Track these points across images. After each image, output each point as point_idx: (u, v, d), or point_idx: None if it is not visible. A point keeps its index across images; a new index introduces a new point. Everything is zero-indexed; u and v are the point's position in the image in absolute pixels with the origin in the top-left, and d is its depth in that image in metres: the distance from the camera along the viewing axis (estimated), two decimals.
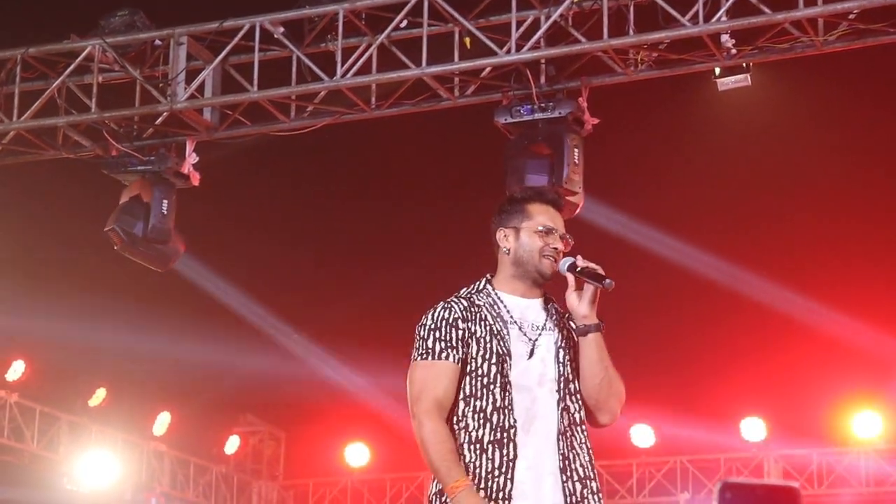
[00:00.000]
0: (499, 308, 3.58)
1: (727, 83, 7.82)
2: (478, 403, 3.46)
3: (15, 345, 12.04)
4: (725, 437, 13.69)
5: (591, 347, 3.54)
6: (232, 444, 14.85)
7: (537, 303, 3.63)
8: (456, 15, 7.82)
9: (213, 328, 12.76)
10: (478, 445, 3.43)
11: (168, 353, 12.31)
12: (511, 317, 3.58)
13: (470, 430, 3.44)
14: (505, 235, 3.66)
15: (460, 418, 3.47)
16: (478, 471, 3.41)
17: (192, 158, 8.56)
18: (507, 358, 3.50)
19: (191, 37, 8.31)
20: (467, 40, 7.85)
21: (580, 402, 3.55)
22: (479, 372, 3.49)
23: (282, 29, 8.17)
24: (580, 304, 3.54)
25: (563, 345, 3.58)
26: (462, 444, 3.44)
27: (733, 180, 11.52)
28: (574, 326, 3.57)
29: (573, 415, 3.52)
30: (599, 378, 3.52)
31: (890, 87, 9.89)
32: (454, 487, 3.35)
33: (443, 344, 3.50)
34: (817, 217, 11.62)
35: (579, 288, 3.57)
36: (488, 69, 7.97)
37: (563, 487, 3.43)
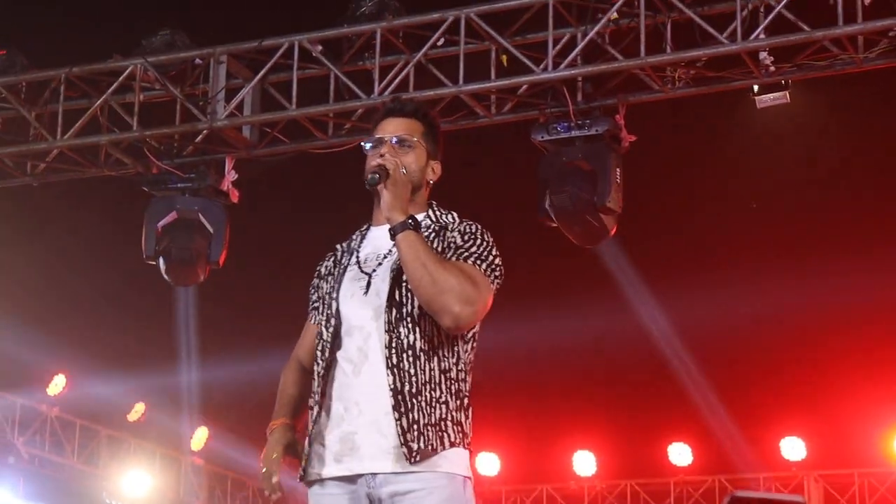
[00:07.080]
0: (351, 249, 3.29)
1: (766, 100, 7.77)
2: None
3: (56, 359, 12.16)
4: (765, 456, 13.57)
5: (400, 249, 3.05)
6: None
7: (385, 228, 3.17)
8: (493, 33, 7.84)
9: (251, 344, 12.81)
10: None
11: (205, 368, 12.38)
12: (357, 256, 3.25)
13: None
14: None
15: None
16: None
17: (231, 175, 8.63)
18: (333, 318, 3.20)
19: (231, 55, 8.39)
20: (504, 58, 7.86)
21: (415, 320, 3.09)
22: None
23: (320, 47, 8.23)
24: (382, 210, 3.12)
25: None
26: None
27: (772, 199, 11.44)
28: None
29: (402, 340, 3.07)
30: (417, 279, 3.02)
31: None
32: (270, 426, 3.30)
33: (310, 304, 3.37)
34: (858, 236, 11.52)
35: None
36: (525, 87, 7.97)
37: (396, 424, 3.07)
